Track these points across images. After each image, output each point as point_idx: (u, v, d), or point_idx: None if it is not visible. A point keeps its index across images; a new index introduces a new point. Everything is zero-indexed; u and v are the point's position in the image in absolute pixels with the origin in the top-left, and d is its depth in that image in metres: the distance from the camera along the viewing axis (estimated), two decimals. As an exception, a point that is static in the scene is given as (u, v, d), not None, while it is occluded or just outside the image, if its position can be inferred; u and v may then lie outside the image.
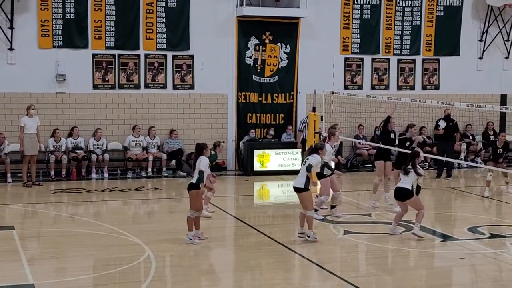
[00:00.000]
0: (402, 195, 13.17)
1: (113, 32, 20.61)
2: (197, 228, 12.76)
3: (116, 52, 20.71)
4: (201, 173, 12.57)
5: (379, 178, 16.33)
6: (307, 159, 13.09)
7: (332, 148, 15.52)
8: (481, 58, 24.11)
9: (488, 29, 23.90)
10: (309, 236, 12.89)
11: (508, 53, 24.26)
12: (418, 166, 13.26)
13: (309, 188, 12.89)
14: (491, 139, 23.31)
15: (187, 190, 12.73)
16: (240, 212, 16.24)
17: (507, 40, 24.17)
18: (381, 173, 16.36)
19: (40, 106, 19.81)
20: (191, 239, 12.60)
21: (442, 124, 21.11)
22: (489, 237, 13.46)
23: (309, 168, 12.82)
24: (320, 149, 13.28)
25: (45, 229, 14.10)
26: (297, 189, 13.03)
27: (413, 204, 13.22)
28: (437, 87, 23.75)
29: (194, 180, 12.65)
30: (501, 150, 17.99)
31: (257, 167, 20.89)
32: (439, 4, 23.55)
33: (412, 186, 13.17)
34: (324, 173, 14.83)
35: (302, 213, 13.03)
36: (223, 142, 21.54)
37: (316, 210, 14.16)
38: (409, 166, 13.15)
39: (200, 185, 12.65)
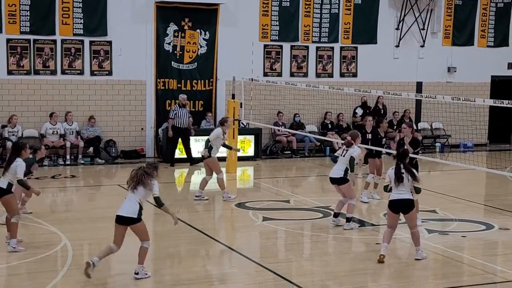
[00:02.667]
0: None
1: (28, 17, 20.11)
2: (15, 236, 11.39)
3: (32, 37, 20.22)
4: (19, 181, 11.28)
5: (371, 175, 16.08)
6: (346, 150, 13.17)
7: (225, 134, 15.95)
8: (397, 46, 24.56)
9: (404, 18, 24.35)
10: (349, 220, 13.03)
11: (424, 41, 24.80)
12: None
13: (348, 178, 13.06)
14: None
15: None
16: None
17: (423, 29, 24.69)
18: (373, 170, 16.13)
19: (-48, 92, 19.22)
20: (14, 247, 11.28)
21: (359, 111, 21.44)
22: (404, 222, 13.67)
23: (352, 161, 13.04)
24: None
25: (-43, 219, 13.68)
26: (335, 180, 13.10)
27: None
28: (355, 75, 24.08)
29: (4, 186, 11.25)
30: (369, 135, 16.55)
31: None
32: (357, -7, 23.87)
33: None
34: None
35: (342, 200, 13.21)
36: (142, 129, 21.46)
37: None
38: (402, 170, 11.09)
39: (12, 190, 11.36)
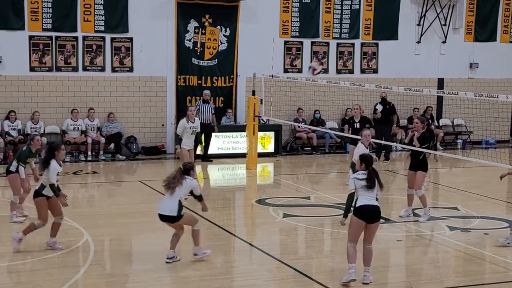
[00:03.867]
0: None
1: (50, 14, 20.22)
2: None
3: (54, 34, 20.33)
4: (51, 186, 11.07)
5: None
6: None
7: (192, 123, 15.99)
8: (418, 42, 24.43)
9: (426, 13, 24.21)
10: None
11: (445, 37, 24.64)
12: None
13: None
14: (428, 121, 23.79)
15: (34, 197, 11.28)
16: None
17: (444, 25, 24.53)
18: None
19: (-25, 88, 19.39)
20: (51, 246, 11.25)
21: (379, 107, 21.37)
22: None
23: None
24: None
25: (-20, 214, 13.81)
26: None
27: None
28: (375, 71, 24.01)
29: (39, 188, 11.19)
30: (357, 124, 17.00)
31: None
32: (378, -12, 23.77)
33: None
34: None
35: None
36: (163, 125, 21.52)
37: None
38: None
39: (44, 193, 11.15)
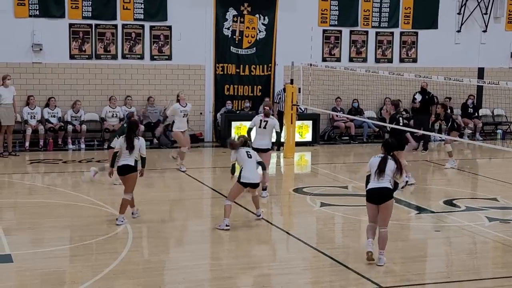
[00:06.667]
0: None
1: (90, 2, 20.38)
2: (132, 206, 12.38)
3: (93, 22, 20.51)
4: (144, 159, 12.04)
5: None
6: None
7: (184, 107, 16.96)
8: (459, 31, 24.16)
9: (466, 2, 23.91)
10: None
11: (486, 26, 24.34)
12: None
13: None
14: (469, 111, 23.65)
15: (126, 173, 11.96)
16: (216, 184, 16.25)
17: (485, 14, 24.22)
18: None
19: (17, 76, 19.63)
20: (123, 221, 11.93)
21: (418, 97, 21.21)
22: (464, 210, 13.59)
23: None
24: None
25: (22, 200, 14.03)
26: None
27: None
28: (415, 60, 23.81)
29: (133, 163, 11.93)
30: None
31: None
32: (418, -23, 23.54)
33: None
34: None
35: None
36: (201, 113, 21.60)
37: None
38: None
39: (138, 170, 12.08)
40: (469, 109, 23.78)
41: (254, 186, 12.13)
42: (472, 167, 18.95)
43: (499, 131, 24.17)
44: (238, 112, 21.76)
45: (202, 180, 16.36)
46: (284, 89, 20.40)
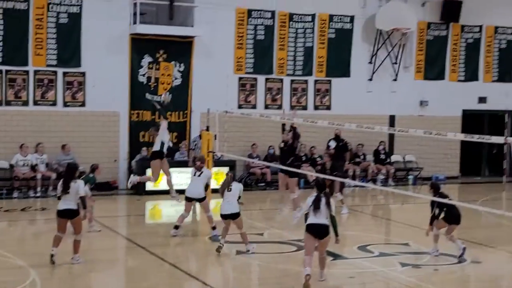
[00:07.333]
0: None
1: (1, 47, 20.01)
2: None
3: (4, 68, 20.10)
4: (82, 199, 12.27)
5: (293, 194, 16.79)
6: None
7: None
8: (370, 80, 24.75)
9: (377, 52, 24.57)
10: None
11: (396, 75, 25.01)
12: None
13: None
14: (381, 157, 24.11)
15: (68, 217, 12.30)
16: (131, 233, 15.97)
17: (395, 63, 24.92)
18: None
19: None
20: (78, 260, 12.33)
21: (332, 144, 21.49)
22: (378, 256, 13.72)
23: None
24: None
25: None
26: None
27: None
28: (328, 108, 24.21)
29: (74, 206, 12.21)
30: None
31: (149, 186, 20.58)
32: (331, 27, 24.07)
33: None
34: None
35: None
36: (115, 160, 21.30)
37: None
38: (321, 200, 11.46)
39: (80, 211, 12.32)
40: (381, 155, 24.29)
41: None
42: (385, 212, 19.22)
43: (410, 176, 24.69)
44: (153, 159, 21.50)
45: (116, 228, 16.06)
46: (200, 136, 20.36)
